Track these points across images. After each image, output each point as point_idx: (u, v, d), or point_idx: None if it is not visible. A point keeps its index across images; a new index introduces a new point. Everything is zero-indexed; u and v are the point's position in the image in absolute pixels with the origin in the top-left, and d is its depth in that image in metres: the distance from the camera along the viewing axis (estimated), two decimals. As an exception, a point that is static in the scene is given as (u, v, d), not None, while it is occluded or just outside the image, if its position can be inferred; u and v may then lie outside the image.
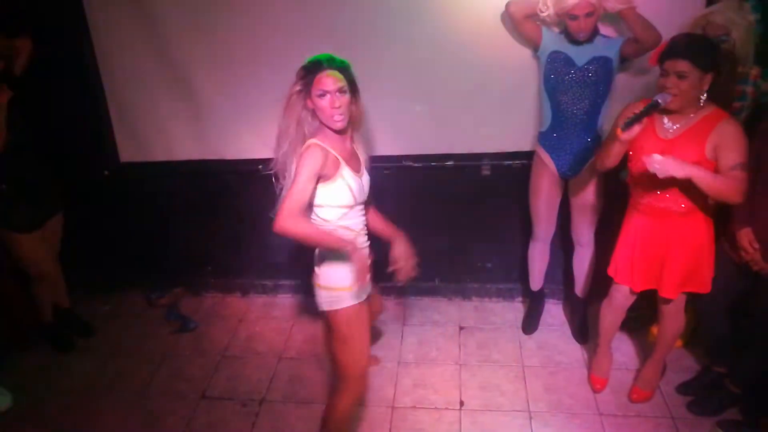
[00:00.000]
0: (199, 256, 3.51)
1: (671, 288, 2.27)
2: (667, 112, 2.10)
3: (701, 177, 1.95)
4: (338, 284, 2.00)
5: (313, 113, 1.92)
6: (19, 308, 3.10)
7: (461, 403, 2.62)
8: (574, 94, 2.49)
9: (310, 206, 1.95)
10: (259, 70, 2.88)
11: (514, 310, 3.24)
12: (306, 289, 2.70)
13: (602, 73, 2.44)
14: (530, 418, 2.52)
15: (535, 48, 2.60)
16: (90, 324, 3.28)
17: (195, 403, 2.72)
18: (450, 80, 2.81)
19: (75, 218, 3.11)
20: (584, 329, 2.96)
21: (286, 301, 3.47)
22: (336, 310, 2.02)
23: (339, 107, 1.87)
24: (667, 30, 2.22)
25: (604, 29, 2.51)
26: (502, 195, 3.06)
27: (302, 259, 2.27)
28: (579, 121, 2.53)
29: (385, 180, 3.06)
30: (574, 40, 2.45)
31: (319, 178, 1.90)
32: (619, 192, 2.47)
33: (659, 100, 2.00)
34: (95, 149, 3.21)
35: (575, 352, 2.90)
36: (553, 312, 3.19)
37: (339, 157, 1.92)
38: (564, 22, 2.45)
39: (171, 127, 3.11)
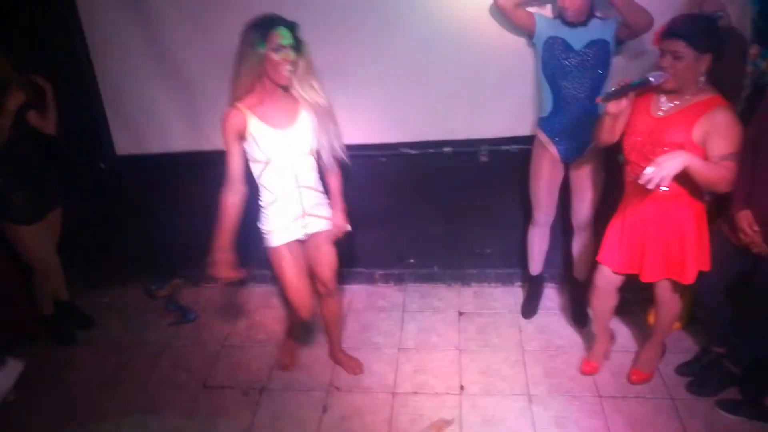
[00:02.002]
0: (198, 247, 3.47)
1: (650, 273, 2.27)
2: (665, 91, 2.08)
3: (696, 166, 1.92)
4: (265, 225, 2.28)
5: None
6: (19, 301, 3.10)
7: (461, 388, 2.63)
8: (575, 79, 2.47)
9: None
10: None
11: (514, 294, 3.25)
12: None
13: (601, 56, 2.42)
14: (530, 401, 2.53)
15: (530, 35, 2.57)
16: (90, 316, 3.28)
17: (196, 393, 2.73)
18: (446, 66, 2.78)
19: (72, 211, 3.09)
20: (583, 313, 2.96)
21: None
22: (268, 248, 2.30)
23: (291, 61, 2.00)
24: (664, 13, 2.18)
25: (600, 11, 2.48)
26: (500, 180, 3.05)
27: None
28: (581, 106, 2.51)
29: (381, 167, 3.06)
30: (569, 24, 2.43)
31: (242, 139, 2.08)
32: (618, 176, 2.46)
33: (651, 79, 1.99)
34: (91, 143, 3.19)
35: (575, 335, 2.90)
36: (553, 296, 3.20)
37: (249, 114, 2.05)
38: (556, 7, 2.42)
39: (166, 118, 3.09)
